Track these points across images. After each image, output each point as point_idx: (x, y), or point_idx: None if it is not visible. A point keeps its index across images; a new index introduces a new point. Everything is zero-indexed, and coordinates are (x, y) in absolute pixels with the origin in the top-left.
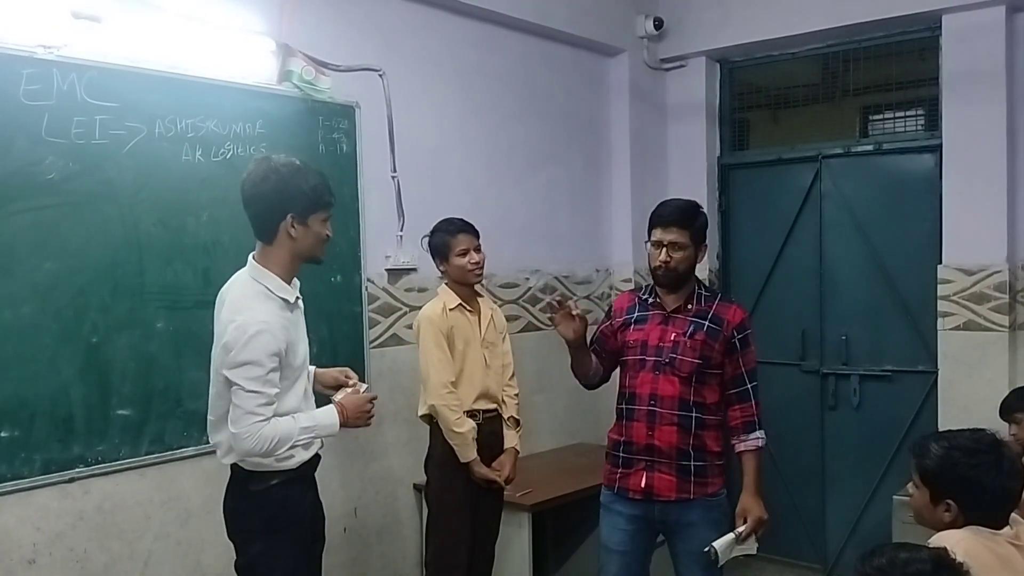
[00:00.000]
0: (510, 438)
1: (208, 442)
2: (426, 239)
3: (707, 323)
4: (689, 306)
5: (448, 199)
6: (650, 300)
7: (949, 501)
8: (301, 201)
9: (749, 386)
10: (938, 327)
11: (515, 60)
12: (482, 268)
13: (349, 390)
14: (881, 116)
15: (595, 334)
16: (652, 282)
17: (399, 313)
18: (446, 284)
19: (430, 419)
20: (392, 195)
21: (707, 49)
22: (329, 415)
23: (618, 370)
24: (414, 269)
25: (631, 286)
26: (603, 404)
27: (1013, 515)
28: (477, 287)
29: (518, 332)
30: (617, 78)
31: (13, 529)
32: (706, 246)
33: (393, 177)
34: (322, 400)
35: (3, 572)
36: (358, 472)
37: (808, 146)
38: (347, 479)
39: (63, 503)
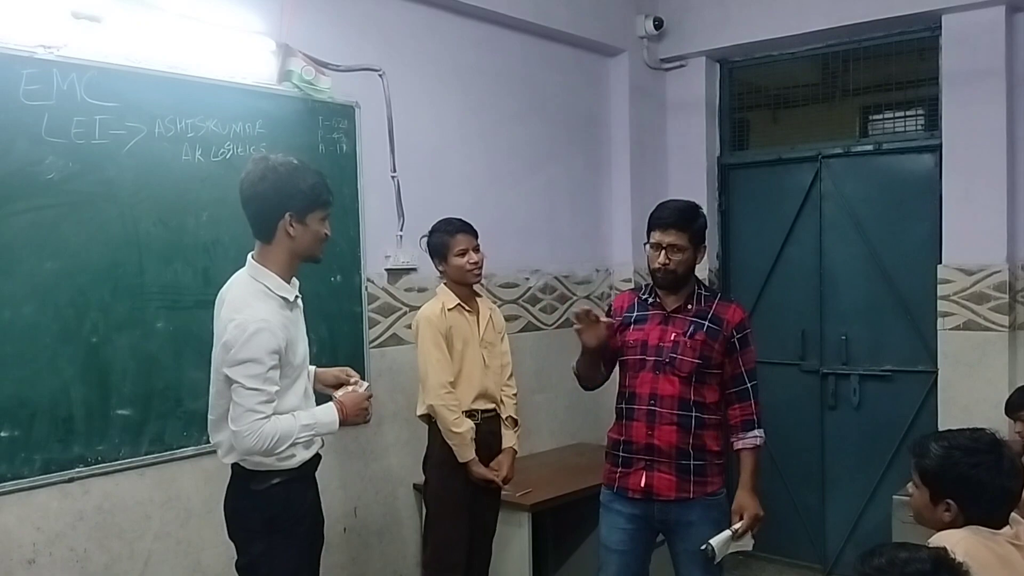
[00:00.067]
0: (508, 438)
1: (208, 442)
2: (424, 239)
3: (707, 323)
4: (689, 306)
5: (448, 199)
6: (650, 300)
7: (949, 501)
8: (299, 200)
9: (749, 385)
10: (938, 327)
11: (515, 60)
12: (481, 268)
13: (350, 388)
14: (881, 116)
15: None
16: (652, 282)
17: (399, 313)
18: (445, 284)
19: (428, 419)
20: (392, 195)
21: (707, 49)
22: (329, 413)
23: (617, 370)
24: (414, 269)
25: (631, 286)
26: (603, 404)
27: (1013, 515)
28: (476, 287)
29: (518, 332)
30: (617, 78)
31: (13, 529)
32: (705, 247)
33: (393, 177)
34: (322, 399)
35: (3, 572)
36: (358, 472)
37: (808, 146)
38: (347, 479)
39: (63, 503)
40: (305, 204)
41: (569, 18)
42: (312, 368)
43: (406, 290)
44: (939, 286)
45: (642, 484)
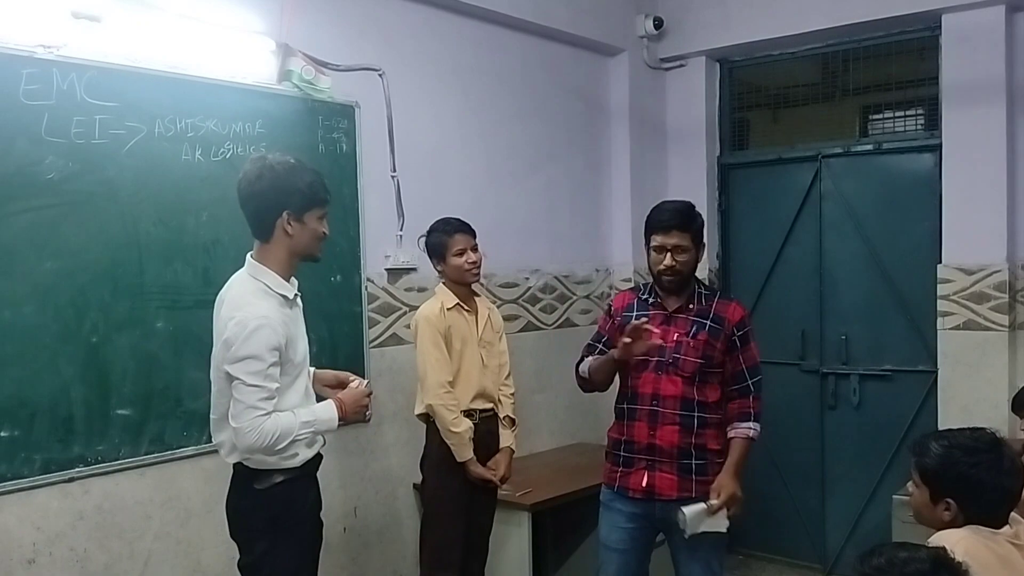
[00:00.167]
0: (506, 437)
1: (208, 441)
2: (423, 239)
3: (708, 322)
4: (691, 306)
5: (448, 199)
6: (650, 300)
7: (949, 500)
8: (297, 198)
9: (750, 382)
10: (938, 326)
11: (515, 60)
12: (479, 268)
13: (352, 386)
14: (881, 116)
15: (600, 334)
16: (652, 282)
17: (399, 313)
18: (444, 284)
19: (427, 418)
20: (392, 195)
21: (707, 49)
22: (328, 410)
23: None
24: (414, 269)
25: (631, 286)
26: (603, 404)
27: (1013, 514)
28: (475, 286)
29: (518, 332)
30: (617, 78)
31: (13, 529)
32: (704, 245)
33: (393, 177)
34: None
35: (3, 572)
36: (358, 472)
37: (808, 146)
38: (347, 479)
39: (63, 503)
40: (303, 202)
41: (569, 18)
42: (312, 369)
43: (406, 290)
44: (939, 286)
45: (644, 484)
